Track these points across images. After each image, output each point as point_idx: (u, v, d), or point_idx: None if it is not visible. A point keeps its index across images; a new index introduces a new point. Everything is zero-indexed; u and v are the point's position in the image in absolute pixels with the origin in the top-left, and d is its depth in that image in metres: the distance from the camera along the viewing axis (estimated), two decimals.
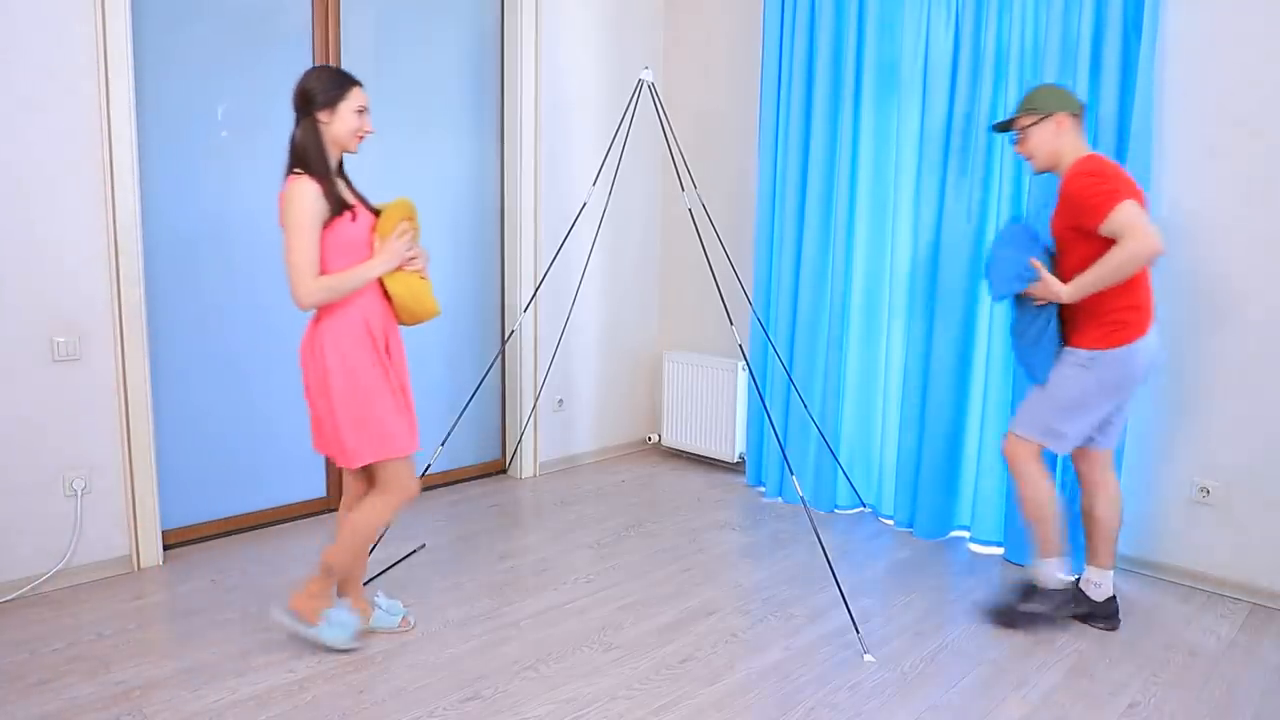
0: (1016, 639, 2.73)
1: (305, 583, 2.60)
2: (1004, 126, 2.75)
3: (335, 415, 2.39)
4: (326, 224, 2.34)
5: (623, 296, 4.65)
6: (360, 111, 2.43)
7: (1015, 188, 3.35)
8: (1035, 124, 2.64)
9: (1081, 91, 3.08)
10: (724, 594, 3.03)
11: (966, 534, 3.58)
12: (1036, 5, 3.25)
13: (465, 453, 4.20)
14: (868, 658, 2.59)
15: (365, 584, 2.99)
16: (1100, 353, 2.58)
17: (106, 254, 2.94)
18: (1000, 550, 3.44)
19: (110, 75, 2.87)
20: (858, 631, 2.68)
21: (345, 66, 3.55)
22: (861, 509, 3.93)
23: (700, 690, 2.42)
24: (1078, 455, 2.83)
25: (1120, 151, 3.04)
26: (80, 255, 2.89)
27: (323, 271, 2.36)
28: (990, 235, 3.38)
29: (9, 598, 2.85)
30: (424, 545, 3.39)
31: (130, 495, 3.07)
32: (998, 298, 2.73)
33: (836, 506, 3.94)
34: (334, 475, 3.73)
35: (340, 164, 2.50)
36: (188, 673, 2.45)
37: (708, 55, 4.47)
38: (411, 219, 2.48)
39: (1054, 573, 2.76)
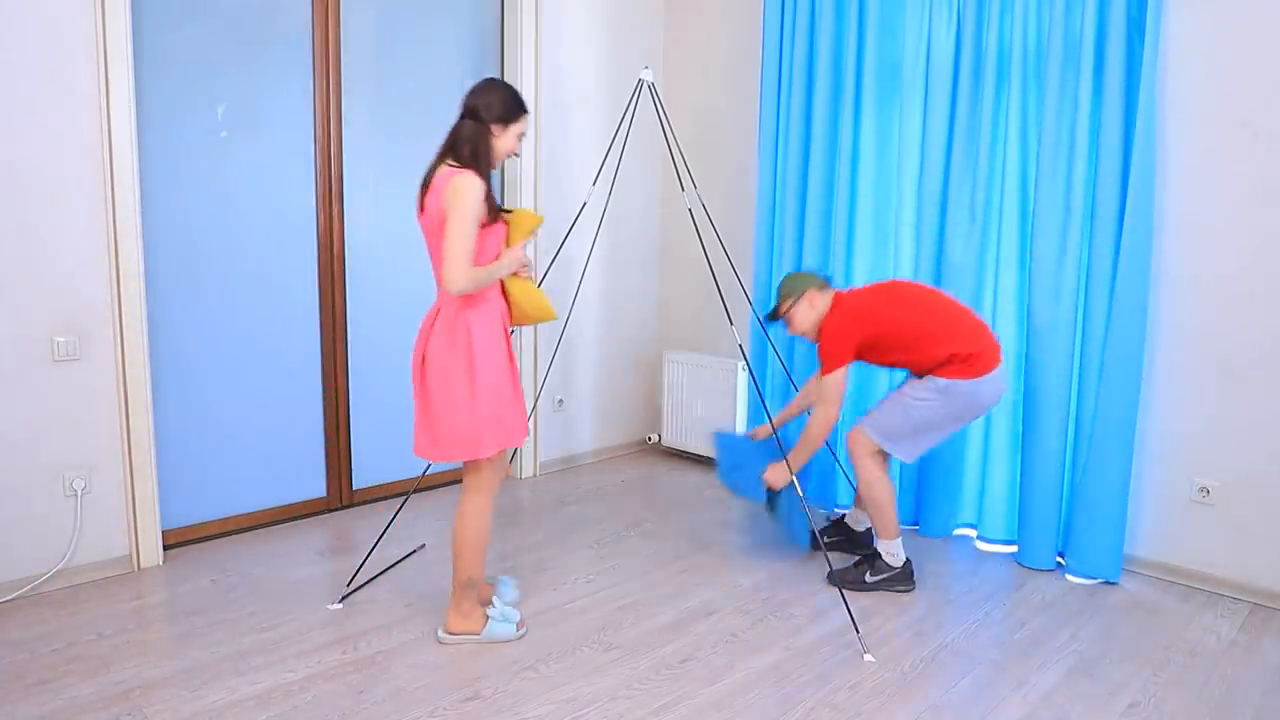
0: (1017, 638, 2.74)
1: (452, 607, 2.65)
2: (773, 316, 3.17)
3: (475, 403, 2.46)
4: (485, 223, 2.42)
5: (623, 297, 4.65)
6: (521, 137, 2.55)
7: (1020, 187, 3.36)
8: (792, 306, 3.10)
9: (1085, 93, 3.09)
10: (724, 594, 3.03)
11: (973, 532, 3.58)
12: (1039, 6, 3.24)
13: None
14: (868, 658, 2.59)
15: (366, 584, 3.00)
16: (955, 382, 2.92)
17: (106, 253, 2.94)
18: (1013, 548, 3.41)
19: (110, 75, 2.87)
20: (858, 631, 2.68)
21: (345, 66, 3.57)
22: None
23: (700, 690, 2.42)
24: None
25: (1125, 152, 3.04)
26: (80, 255, 2.89)
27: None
28: (993, 236, 3.40)
29: (9, 598, 2.85)
30: (424, 545, 3.39)
31: (130, 495, 3.07)
32: (756, 501, 3.28)
33: (837, 506, 3.94)
34: (334, 475, 3.74)
35: None
36: (188, 673, 2.45)
37: (708, 55, 4.47)
38: (536, 231, 2.64)
39: (896, 551, 3.06)
